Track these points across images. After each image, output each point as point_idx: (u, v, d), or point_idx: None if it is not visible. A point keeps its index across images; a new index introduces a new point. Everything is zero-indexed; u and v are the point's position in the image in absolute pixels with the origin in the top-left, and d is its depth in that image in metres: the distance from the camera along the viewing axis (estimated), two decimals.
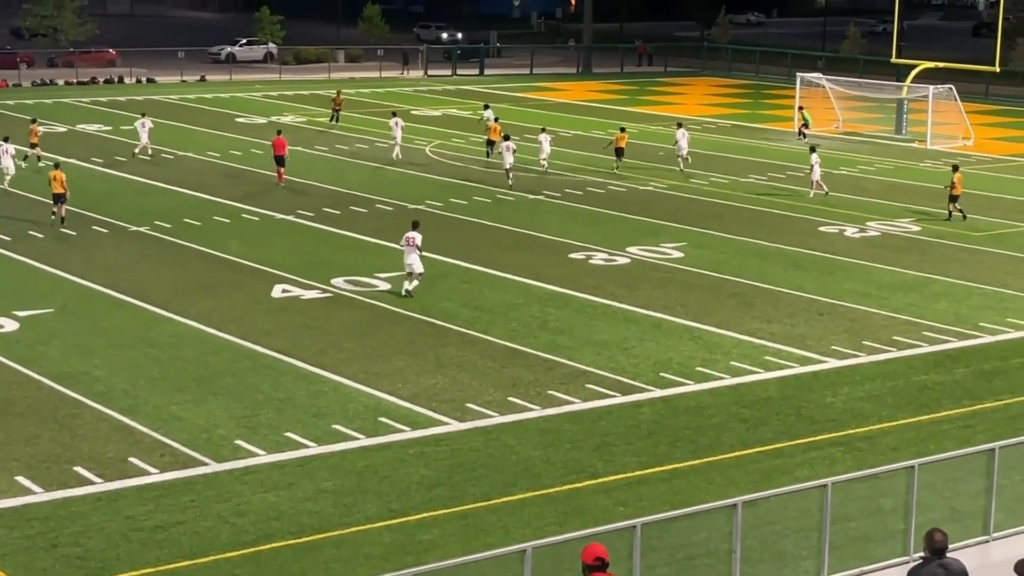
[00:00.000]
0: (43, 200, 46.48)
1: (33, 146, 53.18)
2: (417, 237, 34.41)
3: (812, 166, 49.41)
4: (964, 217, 45.54)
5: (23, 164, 51.12)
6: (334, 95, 70.43)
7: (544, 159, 53.87)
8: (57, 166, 43.03)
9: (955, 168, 46.88)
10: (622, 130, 56.84)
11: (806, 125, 65.97)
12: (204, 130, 65.56)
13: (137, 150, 55.54)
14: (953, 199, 45.83)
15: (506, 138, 51.81)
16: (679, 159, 55.41)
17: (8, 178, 47.82)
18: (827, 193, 49.21)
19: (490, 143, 56.93)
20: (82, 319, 32.02)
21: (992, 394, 27.67)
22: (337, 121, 67.60)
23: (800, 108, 67.33)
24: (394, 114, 58.67)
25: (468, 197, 48.34)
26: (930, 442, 24.58)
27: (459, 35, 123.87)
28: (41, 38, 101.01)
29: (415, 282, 34.35)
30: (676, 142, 55.70)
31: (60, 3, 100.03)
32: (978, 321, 33.05)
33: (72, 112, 71.65)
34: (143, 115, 58.02)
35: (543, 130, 56.24)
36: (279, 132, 52.75)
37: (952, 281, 37.17)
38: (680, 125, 57.14)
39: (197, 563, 19.44)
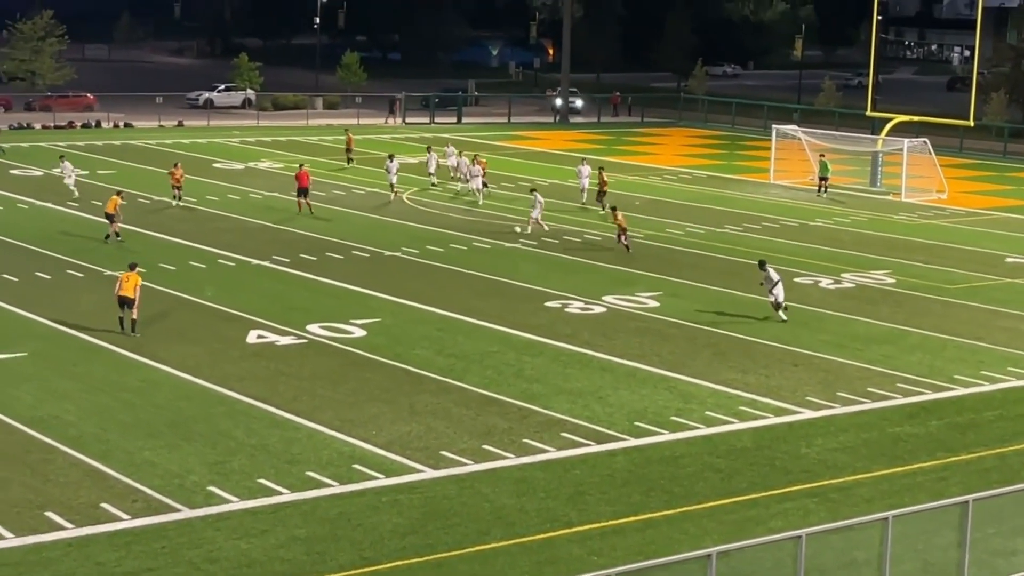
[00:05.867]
0: (19, 244, 46.38)
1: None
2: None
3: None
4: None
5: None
6: (345, 138, 72.35)
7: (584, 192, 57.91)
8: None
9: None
10: (600, 169, 58.55)
11: (825, 178, 64.87)
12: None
13: (76, 194, 55.93)
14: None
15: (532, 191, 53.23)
16: (582, 192, 58.37)
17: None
18: None
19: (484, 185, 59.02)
20: (55, 363, 31.85)
21: (966, 447, 27.72)
22: (348, 163, 69.33)
23: (821, 155, 66.51)
24: (391, 156, 59.62)
25: (444, 244, 48.37)
26: (904, 494, 24.59)
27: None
28: (19, 82, 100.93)
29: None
30: (579, 177, 58.83)
31: (38, 47, 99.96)
32: (952, 373, 33.15)
33: (49, 156, 71.47)
34: (61, 157, 59.01)
35: (583, 160, 59.92)
36: (302, 165, 55.79)
37: (927, 333, 37.29)
38: (584, 161, 60.24)
39: None
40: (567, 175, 68.48)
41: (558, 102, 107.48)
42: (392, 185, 58.53)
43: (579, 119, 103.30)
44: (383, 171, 60.13)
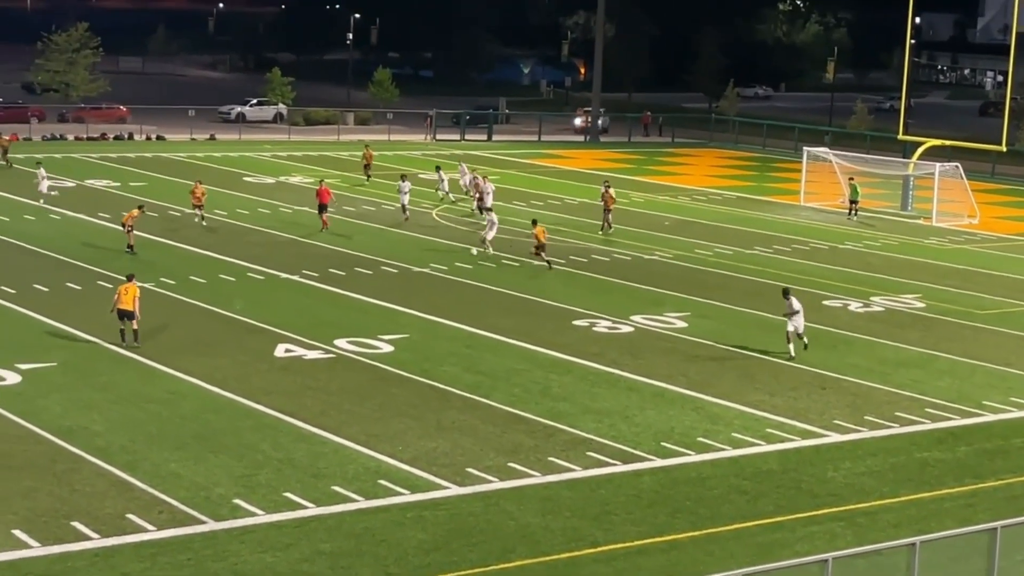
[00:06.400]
0: (50, 255, 46.63)
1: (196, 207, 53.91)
2: None
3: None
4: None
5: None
6: (364, 153, 72.04)
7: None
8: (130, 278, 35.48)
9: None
10: (607, 187, 57.65)
11: (855, 201, 64.67)
12: (212, 188, 65.64)
13: (42, 200, 56.88)
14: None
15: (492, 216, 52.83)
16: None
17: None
18: None
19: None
20: (84, 373, 31.99)
21: (994, 473, 27.56)
22: (367, 180, 69.21)
23: (851, 179, 66.45)
24: (403, 177, 58.94)
25: (473, 261, 48.39)
26: (931, 520, 24.46)
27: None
28: (53, 93, 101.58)
29: None
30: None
31: (72, 59, 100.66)
32: (981, 399, 32.97)
33: (81, 167, 71.95)
34: (38, 163, 60.08)
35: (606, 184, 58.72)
36: (322, 182, 56.23)
37: (956, 359, 37.11)
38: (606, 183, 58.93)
39: None
40: (596, 193, 68.47)
41: (577, 121, 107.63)
42: (403, 207, 57.22)
43: (609, 138, 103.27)
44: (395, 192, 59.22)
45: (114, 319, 34.39)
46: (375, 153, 73.78)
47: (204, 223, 53.64)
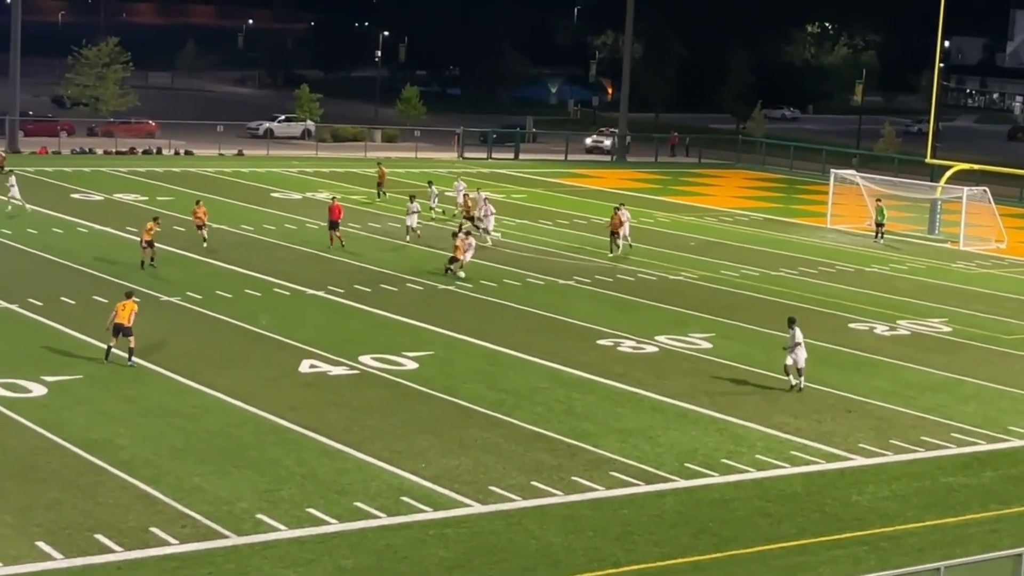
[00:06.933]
0: (78, 268, 46.82)
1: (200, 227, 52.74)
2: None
3: None
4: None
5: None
6: (377, 171, 71.42)
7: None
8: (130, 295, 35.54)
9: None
10: (617, 208, 56.62)
11: (881, 224, 64.52)
12: (239, 203, 66.04)
13: (10, 208, 57.13)
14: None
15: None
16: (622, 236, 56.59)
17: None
18: None
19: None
20: (109, 386, 32.09)
21: (1020, 499, 27.40)
22: (379, 197, 69.08)
23: (878, 201, 66.16)
24: (412, 198, 57.93)
25: (498, 279, 48.43)
26: (956, 545, 24.33)
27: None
28: (82, 107, 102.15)
29: None
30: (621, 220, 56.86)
31: (102, 74, 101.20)
32: (1007, 424, 32.81)
33: (110, 181, 72.29)
34: (10, 171, 60.96)
35: (621, 205, 57.87)
36: (334, 198, 56.50)
37: (982, 383, 36.95)
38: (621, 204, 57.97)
39: None
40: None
41: (588, 141, 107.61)
42: (408, 228, 56.16)
43: (636, 158, 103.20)
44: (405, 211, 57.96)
45: (146, 333, 34.36)
46: (387, 171, 73.20)
47: (206, 244, 51.63)
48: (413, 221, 56.59)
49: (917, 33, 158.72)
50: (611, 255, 54.70)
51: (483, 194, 60.32)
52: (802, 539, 24.43)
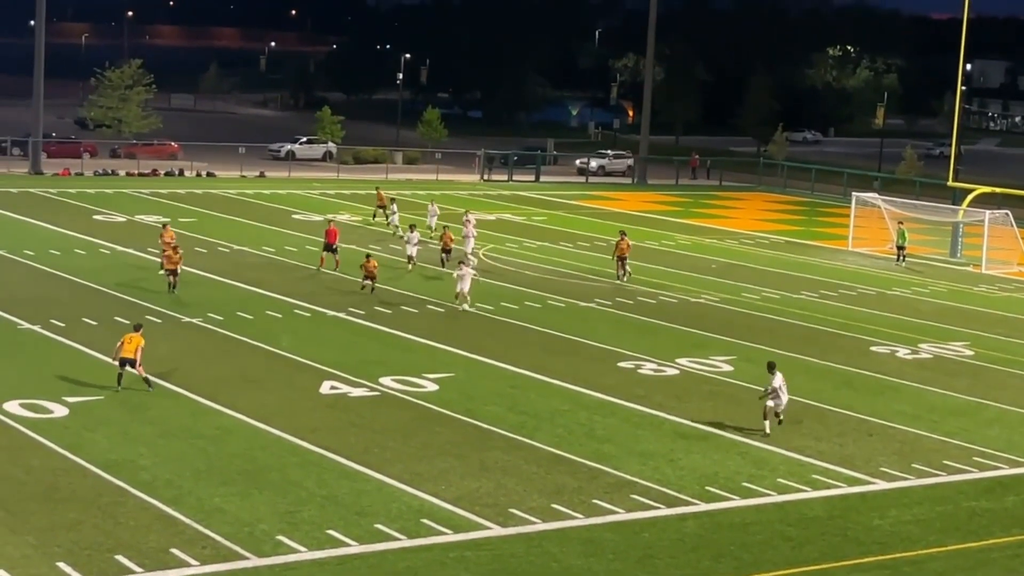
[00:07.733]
0: (100, 289, 46.97)
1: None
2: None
3: None
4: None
5: None
6: (376, 193, 70.99)
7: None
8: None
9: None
10: (623, 234, 55.70)
11: (902, 247, 64.15)
12: (260, 225, 66.22)
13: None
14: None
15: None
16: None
17: None
18: None
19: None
20: (131, 408, 32.15)
21: None
22: (375, 218, 68.79)
23: (900, 223, 65.84)
24: (412, 227, 56.22)
25: (519, 301, 48.44)
26: (978, 570, 24.21)
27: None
28: (105, 129, 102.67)
29: None
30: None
31: (125, 96, 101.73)
32: None
33: (131, 203, 72.57)
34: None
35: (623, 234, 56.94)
36: (331, 222, 56.63)
37: (1005, 407, 36.79)
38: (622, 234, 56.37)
39: None
40: (644, 236, 68.50)
41: (578, 163, 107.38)
42: (409, 257, 54.51)
43: (657, 180, 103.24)
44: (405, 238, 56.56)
45: (167, 354, 34.51)
46: (434, 193, 73.33)
47: (174, 292, 46.76)
48: (413, 251, 54.58)
49: (939, 56, 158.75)
50: (618, 281, 53.98)
51: (472, 217, 60.07)
52: (823, 563, 24.33)
